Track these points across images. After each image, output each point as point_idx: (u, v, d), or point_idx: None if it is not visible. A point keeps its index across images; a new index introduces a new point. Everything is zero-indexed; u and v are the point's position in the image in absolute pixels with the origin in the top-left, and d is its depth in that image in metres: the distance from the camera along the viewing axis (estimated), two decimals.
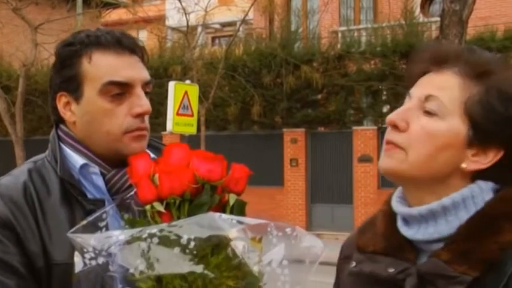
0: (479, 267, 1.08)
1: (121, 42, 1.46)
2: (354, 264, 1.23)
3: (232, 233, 1.08)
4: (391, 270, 1.15)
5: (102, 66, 1.44)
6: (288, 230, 1.14)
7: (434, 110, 1.14)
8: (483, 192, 1.15)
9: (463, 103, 1.14)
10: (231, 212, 1.17)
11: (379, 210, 1.26)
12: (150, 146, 1.56)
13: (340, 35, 17.44)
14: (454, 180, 1.15)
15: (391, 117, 1.17)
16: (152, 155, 1.51)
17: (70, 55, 1.47)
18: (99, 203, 1.42)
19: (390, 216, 1.22)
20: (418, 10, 16.94)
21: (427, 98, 1.15)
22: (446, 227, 1.13)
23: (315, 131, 15.51)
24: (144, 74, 1.48)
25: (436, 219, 1.14)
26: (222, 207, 1.18)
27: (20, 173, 1.48)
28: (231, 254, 1.08)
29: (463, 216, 1.13)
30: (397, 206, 1.20)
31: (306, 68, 15.01)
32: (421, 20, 16.49)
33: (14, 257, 1.38)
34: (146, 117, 1.47)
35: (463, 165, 1.14)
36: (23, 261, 1.38)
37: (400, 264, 1.15)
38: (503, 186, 1.16)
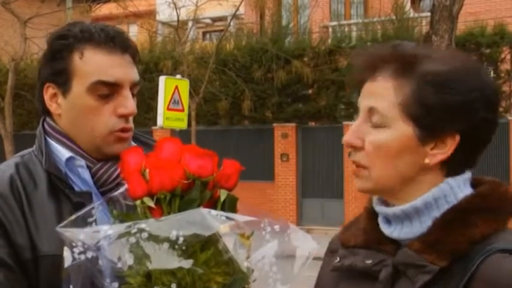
0: (447, 258, 1.10)
1: (114, 41, 1.46)
2: (338, 259, 1.24)
3: (222, 228, 1.08)
4: (368, 261, 1.17)
5: (92, 64, 1.44)
6: (282, 227, 1.14)
7: (378, 122, 1.14)
8: (453, 189, 1.15)
9: (400, 106, 1.12)
10: (222, 208, 1.17)
11: (364, 208, 1.27)
12: (139, 142, 1.56)
13: (330, 29, 17.46)
14: (425, 176, 1.15)
15: (346, 138, 1.17)
16: None
17: (62, 48, 1.47)
18: (86, 196, 1.42)
19: (372, 213, 1.23)
20: (408, 5, 16.97)
21: (370, 110, 1.15)
22: (420, 227, 1.15)
23: (305, 125, 15.52)
24: (133, 75, 1.48)
25: (410, 220, 1.15)
26: (214, 203, 1.17)
27: (6, 167, 1.48)
28: (220, 249, 1.08)
29: (436, 215, 1.14)
30: (376, 205, 1.21)
31: (296, 63, 15.01)
32: (411, 15, 16.52)
33: (1, 249, 1.38)
34: (131, 118, 1.48)
35: (426, 161, 1.13)
36: (10, 253, 1.38)
37: (378, 256, 1.17)
38: (472, 169, 1.17)
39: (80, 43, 1.46)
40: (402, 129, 1.12)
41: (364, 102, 1.17)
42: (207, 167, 1.16)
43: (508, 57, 14.88)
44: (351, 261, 1.20)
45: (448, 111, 1.11)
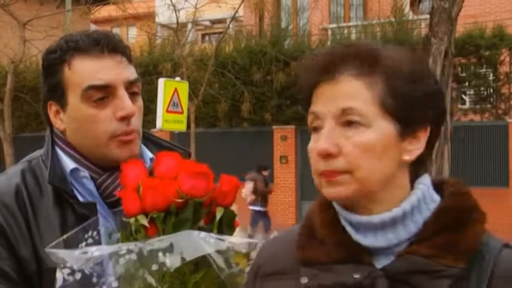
0: (464, 259, 1.08)
1: (100, 43, 1.42)
2: (306, 280, 1.13)
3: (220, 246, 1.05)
4: (357, 276, 1.09)
5: (81, 72, 1.41)
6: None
7: (358, 120, 1.09)
8: (429, 190, 1.14)
9: (376, 103, 1.09)
10: (220, 225, 1.15)
11: (317, 220, 1.18)
12: (150, 142, 1.55)
13: (330, 32, 17.47)
14: (401, 175, 1.13)
15: (322, 146, 1.11)
16: (151, 155, 1.50)
17: (52, 63, 1.45)
18: (91, 207, 1.40)
19: (335, 224, 1.15)
20: (407, 8, 16.99)
21: (344, 111, 1.09)
22: (404, 231, 1.11)
23: (305, 128, 15.44)
24: (127, 74, 1.43)
25: (395, 226, 1.11)
26: (212, 218, 1.16)
27: (13, 175, 1.47)
28: (211, 272, 1.06)
29: (418, 219, 1.12)
30: (350, 215, 1.14)
31: (296, 65, 15.01)
32: (410, 17, 16.54)
33: (5, 262, 1.37)
34: (135, 119, 1.44)
35: (406, 158, 1.11)
36: (14, 266, 1.37)
37: (364, 269, 1.10)
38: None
39: (68, 54, 1.43)
40: (383, 126, 1.09)
41: (329, 106, 1.11)
42: (200, 186, 1.14)
43: (507, 59, 14.89)
44: (333, 279, 1.11)
45: (420, 100, 1.10)
